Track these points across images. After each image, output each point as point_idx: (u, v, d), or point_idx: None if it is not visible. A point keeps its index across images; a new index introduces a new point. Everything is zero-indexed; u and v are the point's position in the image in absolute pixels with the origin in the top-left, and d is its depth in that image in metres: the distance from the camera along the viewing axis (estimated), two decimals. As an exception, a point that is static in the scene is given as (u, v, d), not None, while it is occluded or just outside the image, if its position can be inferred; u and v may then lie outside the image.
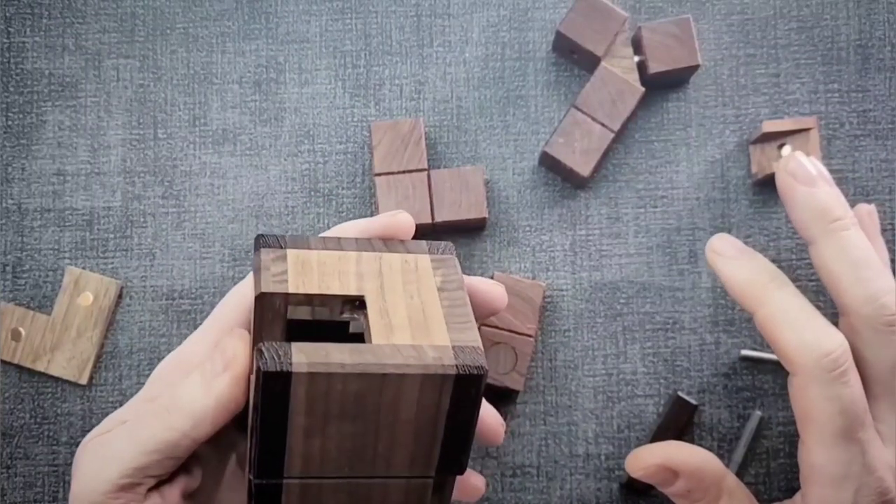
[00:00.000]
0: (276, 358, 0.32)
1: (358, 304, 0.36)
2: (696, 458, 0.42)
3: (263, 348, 0.32)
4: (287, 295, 0.36)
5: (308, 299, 0.36)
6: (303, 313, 0.37)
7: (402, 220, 0.40)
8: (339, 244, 0.39)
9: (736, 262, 0.42)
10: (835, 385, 0.39)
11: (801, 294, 0.41)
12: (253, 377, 0.33)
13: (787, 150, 0.48)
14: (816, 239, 0.41)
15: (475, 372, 0.33)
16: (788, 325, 0.40)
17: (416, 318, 0.35)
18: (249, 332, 0.38)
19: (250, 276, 0.40)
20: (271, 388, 0.32)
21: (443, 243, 0.40)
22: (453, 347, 0.34)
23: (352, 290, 0.36)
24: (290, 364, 0.32)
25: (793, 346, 0.39)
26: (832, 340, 0.39)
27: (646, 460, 0.42)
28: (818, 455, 0.39)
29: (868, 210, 0.46)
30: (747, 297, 0.41)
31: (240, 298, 0.40)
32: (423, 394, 0.33)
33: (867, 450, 0.39)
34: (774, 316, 0.40)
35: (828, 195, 0.41)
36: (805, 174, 0.41)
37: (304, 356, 0.32)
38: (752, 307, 0.41)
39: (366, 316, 0.36)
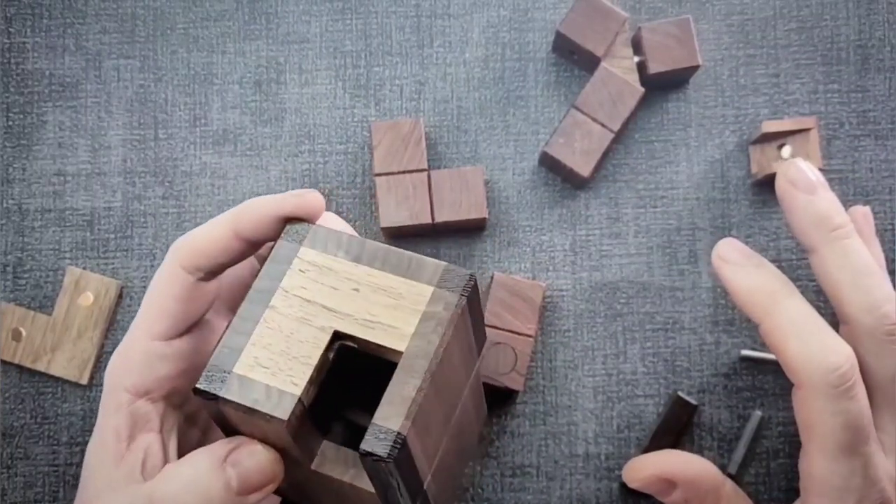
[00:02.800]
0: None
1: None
2: (693, 467, 0.42)
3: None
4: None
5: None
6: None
7: (309, 200, 0.39)
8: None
9: (743, 269, 0.41)
10: (841, 400, 0.38)
11: (808, 304, 0.40)
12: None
13: (786, 150, 0.48)
14: (817, 247, 0.40)
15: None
16: (795, 336, 0.39)
17: None
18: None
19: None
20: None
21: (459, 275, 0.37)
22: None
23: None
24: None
25: (799, 360, 0.39)
26: (840, 354, 0.38)
27: (642, 471, 0.42)
28: (821, 466, 0.39)
29: (863, 212, 0.46)
30: (753, 306, 0.40)
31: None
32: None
33: (870, 462, 0.39)
34: (781, 327, 0.39)
35: (828, 203, 0.41)
36: (805, 181, 0.41)
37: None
38: (758, 317, 0.40)
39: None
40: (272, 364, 0.35)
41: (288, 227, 0.38)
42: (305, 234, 0.37)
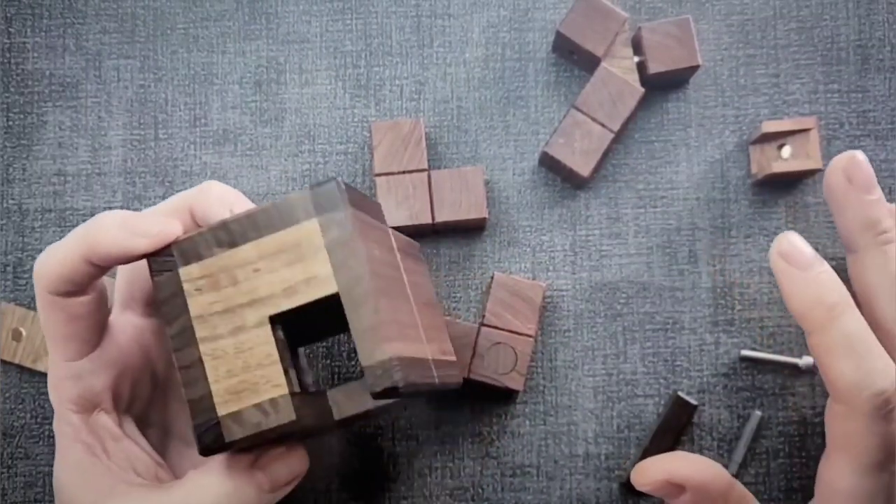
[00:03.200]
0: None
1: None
2: (702, 471, 0.41)
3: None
4: None
5: None
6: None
7: (165, 232, 0.37)
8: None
9: (803, 277, 0.39)
10: (882, 422, 0.38)
11: (863, 320, 0.39)
12: None
13: (786, 150, 0.48)
14: (859, 248, 0.40)
15: None
16: (845, 357, 0.38)
17: None
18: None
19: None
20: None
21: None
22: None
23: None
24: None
25: (846, 380, 0.38)
26: (887, 378, 0.38)
27: (651, 475, 0.41)
28: (848, 481, 0.39)
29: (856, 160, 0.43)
30: (808, 320, 0.39)
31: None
32: None
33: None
34: (833, 345, 0.38)
35: (882, 207, 0.40)
36: (867, 180, 0.41)
37: None
38: (811, 329, 0.39)
39: None
40: (245, 386, 0.34)
41: (153, 264, 0.36)
42: (170, 262, 0.36)
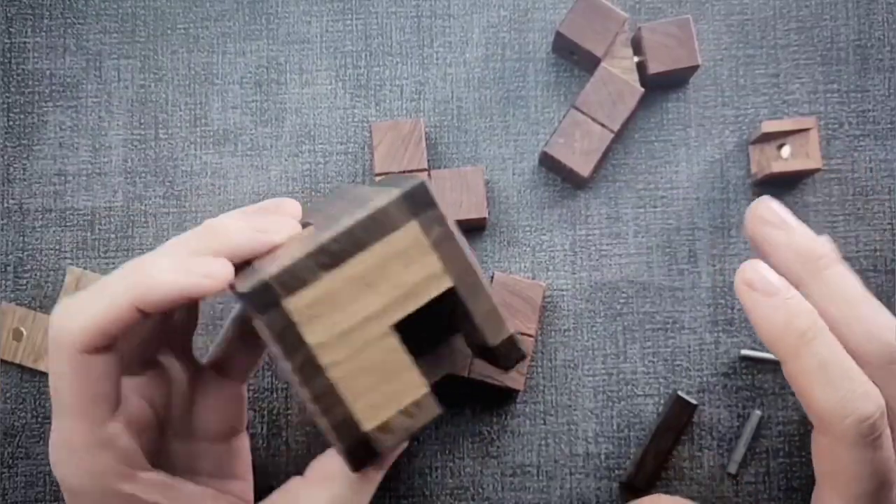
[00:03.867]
0: None
1: None
2: None
3: None
4: None
5: None
6: None
7: (288, 208, 0.36)
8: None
9: (771, 304, 0.37)
10: (869, 449, 0.36)
11: (837, 343, 0.37)
12: None
13: (786, 150, 0.48)
14: (803, 281, 0.38)
15: None
16: (824, 383, 0.36)
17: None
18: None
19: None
20: None
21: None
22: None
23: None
24: None
25: (828, 408, 0.36)
26: (870, 403, 0.36)
27: None
28: None
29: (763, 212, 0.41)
30: (780, 348, 0.37)
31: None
32: None
33: None
34: (809, 372, 0.36)
35: (807, 234, 0.39)
36: (778, 217, 0.39)
37: None
38: (784, 358, 0.37)
39: None
40: (386, 398, 0.35)
41: (254, 303, 0.34)
42: (273, 296, 0.34)
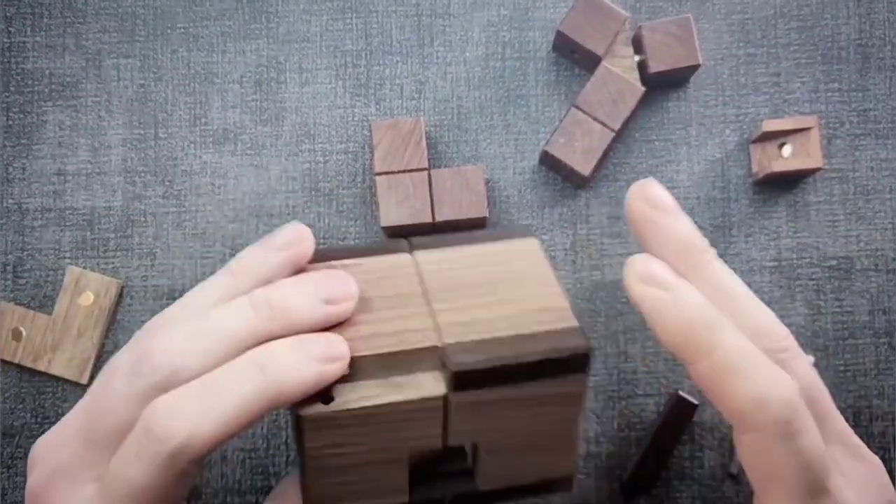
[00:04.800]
0: None
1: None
2: None
3: None
4: None
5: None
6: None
7: (306, 240, 0.34)
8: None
9: (672, 301, 0.34)
10: (797, 438, 0.33)
11: (740, 332, 0.35)
12: None
13: (787, 149, 0.48)
14: (687, 276, 0.36)
15: None
16: (740, 374, 0.33)
17: None
18: None
19: None
20: None
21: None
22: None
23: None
24: None
25: (749, 399, 0.33)
26: (786, 387, 0.33)
27: None
28: None
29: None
30: (689, 343, 0.34)
31: None
32: None
33: (839, 496, 0.35)
34: (724, 364, 0.33)
35: (690, 225, 0.36)
36: (665, 202, 0.36)
37: None
38: (695, 356, 0.34)
39: None
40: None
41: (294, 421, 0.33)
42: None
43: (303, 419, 0.32)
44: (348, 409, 0.32)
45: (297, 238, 0.36)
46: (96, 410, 0.33)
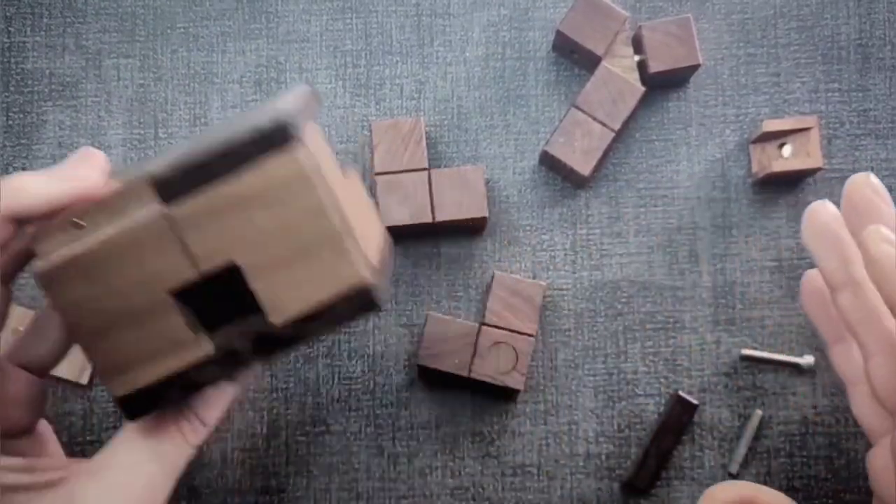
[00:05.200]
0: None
1: None
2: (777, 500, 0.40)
3: None
4: None
5: None
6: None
7: (90, 184, 0.34)
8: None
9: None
10: None
11: None
12: None
13: (787, 149, 0.48)
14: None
15: None
16: None
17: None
18: None
19: None
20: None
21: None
22: None
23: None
24: None
25: None
26: None
27: (722, 497, 0.41)
28: None
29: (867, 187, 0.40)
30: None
31: None
32: None
33: None
34: None
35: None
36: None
37: None
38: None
39: None
40: (153, 342, 0.35)
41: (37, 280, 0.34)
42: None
43: (38, 278, 0.34)
44: (74, 255, 0.34)
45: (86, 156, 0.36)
46: None
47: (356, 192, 0.40)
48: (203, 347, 0.35)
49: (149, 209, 0.34)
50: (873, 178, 0.39)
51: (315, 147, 0.35)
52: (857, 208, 0.39)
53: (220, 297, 0.35)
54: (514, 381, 0.47)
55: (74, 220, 0.34)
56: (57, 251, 0.34)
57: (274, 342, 0.35)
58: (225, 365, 0.35)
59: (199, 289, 0.35)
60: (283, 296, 0.34)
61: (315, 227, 0.34)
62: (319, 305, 0.34)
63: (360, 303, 0.34)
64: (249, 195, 0.33)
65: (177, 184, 0.33)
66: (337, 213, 0.34)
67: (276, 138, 0.33)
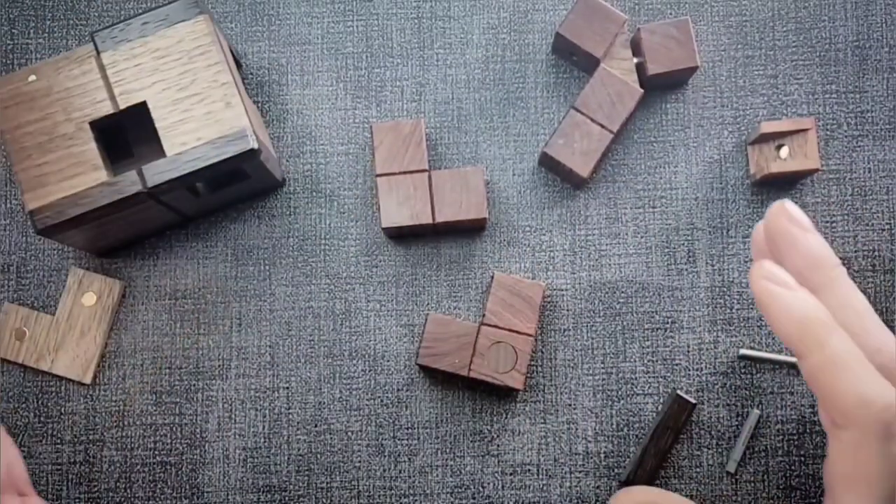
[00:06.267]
0: None
1: None
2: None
3: None
4: None
5: None
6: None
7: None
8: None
9: (794, 294, 0.37)
10: (892, 442, 0.36)
11: (849, 337, 0.37)
12: None
13: (784, 151, 0.48)
14: (818, 289, 0.38)
15: None
16: (849, 373, 0.36)
17: None
18: None
19: None
20: None
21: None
22: None
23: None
24: None
25: (853, 398, 0.36)
26: (891, 392, 0.36)
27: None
28: None
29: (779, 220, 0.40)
30: (804, 338, 0.36)
31: None
32: None
33: None
34: (833, 362, 0.36)
35: (821, 242, 0.39)
36: (801, 220, 0.39)
37: None
38: (808, 349, 0.36)
39: None
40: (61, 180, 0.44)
41: None
42: None
43: None
44: (22, 91, 0.44)
45: None
46: None
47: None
48: (104, 173, 0.43)
49: (85, 58, 0.44)
50: (789, 205, 0.39)
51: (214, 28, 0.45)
52: (775, 239, 0.39)
53: (127, 138, 0.48)
54: (514, 380, 0.47)
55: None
56: (6, 87, 0.44)
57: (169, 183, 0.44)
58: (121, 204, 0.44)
59: (113, 125, 0.45)
60: (179, 131, 0.43)
61: (211, 79, 0.44)
62: (207, 142, 0.44)
63: (239, 147, 0.44)
64: (164, 48, 0.44)
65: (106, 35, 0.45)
66: (230, 71, 0.44)
67: (187, 12, 0.44)
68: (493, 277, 0.48)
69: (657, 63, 0.48)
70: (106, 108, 0.44)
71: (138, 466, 0.49)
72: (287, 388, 0.50)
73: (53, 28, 0.52)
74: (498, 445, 0.49)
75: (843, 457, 0.37)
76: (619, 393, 0.49)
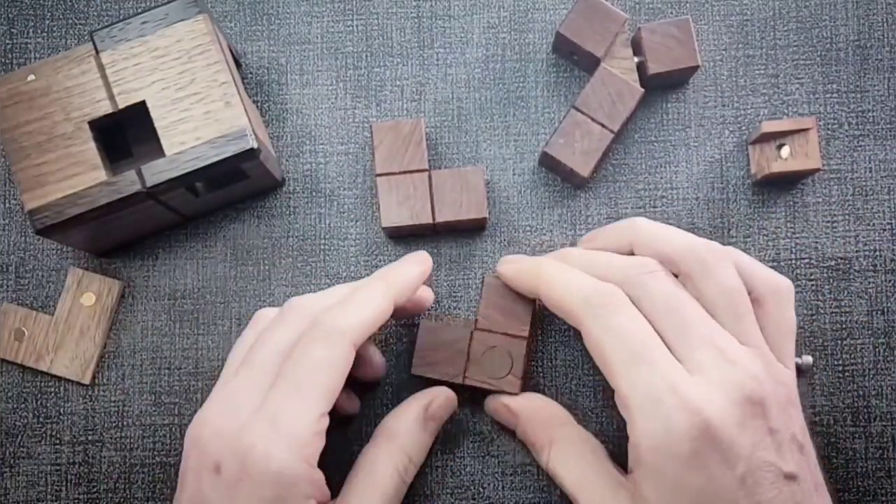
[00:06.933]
0: None
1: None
2: (533, 403, 0.46)
3: None
4: None
5: None
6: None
7: (427, 268, 0.46)
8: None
9: (525, 259, 0.46)
10: (606, 316, 0.41)
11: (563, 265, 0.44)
12: None
13: (785, 150, 0.48)
14: (582, 321, 0.42)
15: None
16: (557, 282, 0.43)
17: None
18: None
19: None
20: None
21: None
22: None
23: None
24: None
25: (559, 294, 0.42)
26: (597, 282, 0.42)
27: (492, 403, 0.47)
28: (621, 384, 0.40)
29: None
30: (530, 280, 0.45)
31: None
32: None
33: (667, 372, 0.39)
34: (548, 280, 0.43)
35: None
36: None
37: None
38: (535, 287, 0.44)
39: None
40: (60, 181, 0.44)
41: None
42: None
43: None
44: (21, 90, 0.44)
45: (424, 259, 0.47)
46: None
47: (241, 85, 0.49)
48: (103, 172, 0.44)
49: (84, 58, 0.44)
50: (508, 260, 0.47)
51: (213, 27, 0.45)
52: (513, 283, 0.46)
53: (125, 139, 0.48)
54: (511, 385, 0.46)
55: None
56: (5, 87, 0.45)
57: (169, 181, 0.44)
58: (122, 203, 0.44)
59: (112, 125, 0.45)
60: (178, 130, 0.44)
61: (211, 78, 0.44)
62: (206, 141, 0.44)
63: (238, 146, 0.44)
64: (163, 47, 0.44)
65: (105, 36, 0.45)
66: (229, 70, 0.44)
67: (186, 11, 0.44)
68: (482, 280, 0.47)
69: (658, 62, 0.48)
70: (105, 108, 0.44)
71: (137, 467, 0.49)
72: (286, 388, 0.50)
73: (52, 27, 0.52)
74: (498, 446, 0.49)
75: (587, 345, 0.42)
76: (620, 393, 0.49)
